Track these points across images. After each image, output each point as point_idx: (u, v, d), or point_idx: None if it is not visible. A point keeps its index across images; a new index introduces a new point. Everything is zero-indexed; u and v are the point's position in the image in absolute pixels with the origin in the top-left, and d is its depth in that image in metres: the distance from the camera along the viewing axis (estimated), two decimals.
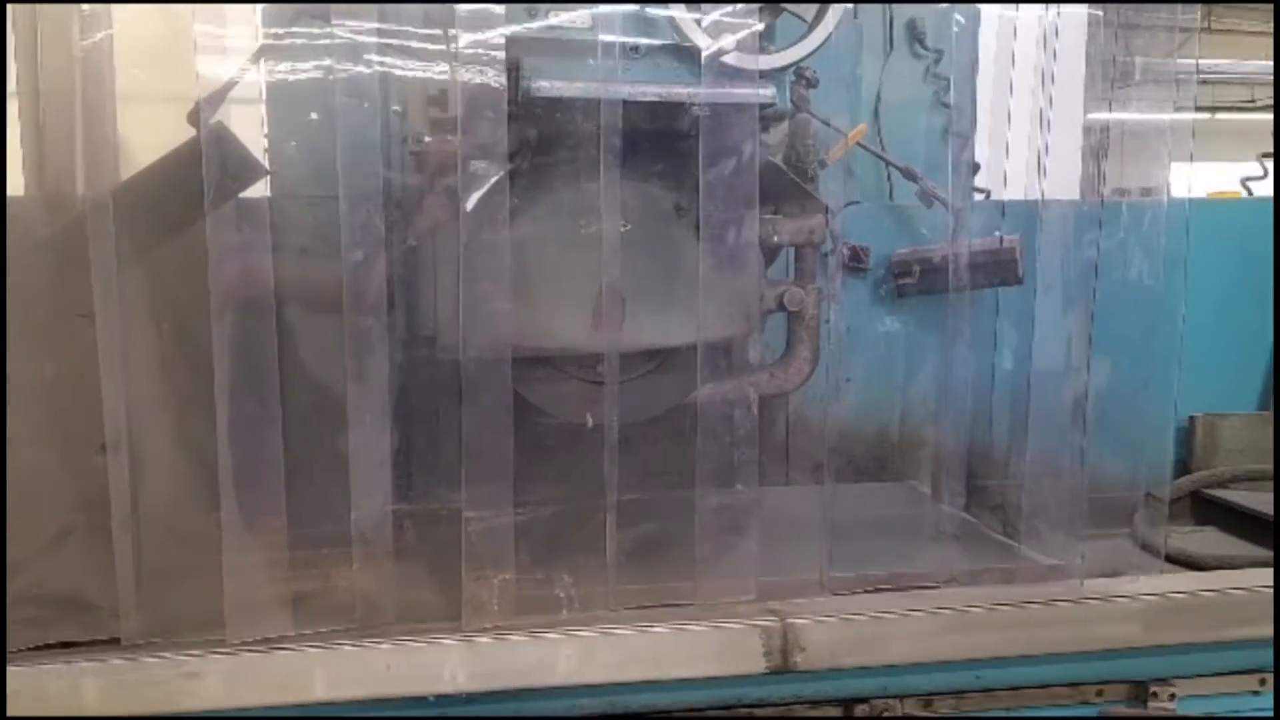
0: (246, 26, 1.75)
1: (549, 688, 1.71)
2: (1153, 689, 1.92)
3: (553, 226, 1.87)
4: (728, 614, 1.78)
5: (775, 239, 2.05)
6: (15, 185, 1.91)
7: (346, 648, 1.65)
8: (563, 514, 1.92)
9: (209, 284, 1.65)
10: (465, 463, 1.72)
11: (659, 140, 1.89)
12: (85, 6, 1.63)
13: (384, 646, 1.66)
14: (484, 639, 1.68)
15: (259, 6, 1.79)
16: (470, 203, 1.74)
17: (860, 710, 1.84)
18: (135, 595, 1.67)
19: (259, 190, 1.81)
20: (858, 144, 2.23)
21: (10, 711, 1.56)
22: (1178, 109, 2.16)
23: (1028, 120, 2.27)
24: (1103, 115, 2.16)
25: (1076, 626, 1.87)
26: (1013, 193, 2.42)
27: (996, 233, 2.42)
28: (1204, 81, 2.18)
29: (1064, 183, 2.27)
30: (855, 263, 2.57)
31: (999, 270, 2.39)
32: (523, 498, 1.75)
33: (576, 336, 1.89)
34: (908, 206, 2.60)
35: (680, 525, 1.87)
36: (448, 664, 1.66)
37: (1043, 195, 2.11)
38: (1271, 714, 1.98)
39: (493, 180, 1.73)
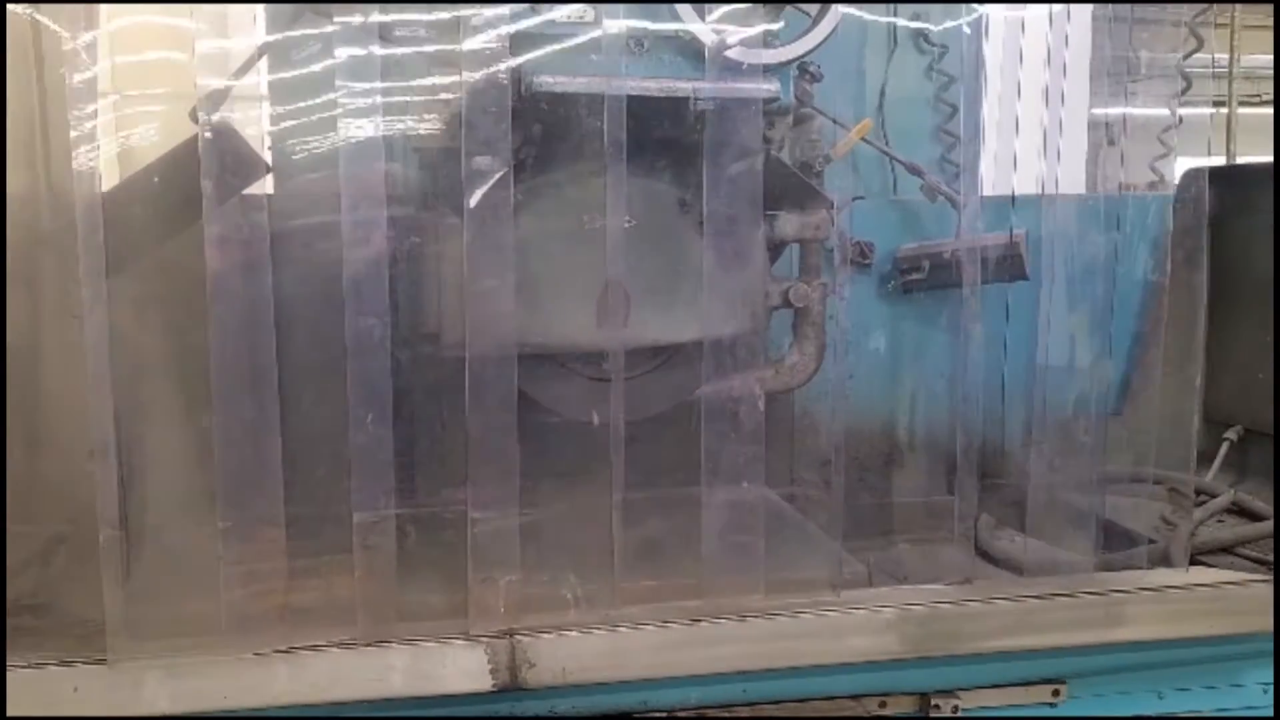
0: (249, 24, 1.71)
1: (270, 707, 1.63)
2: (934, 701, 1.86)
3: (557, 223, 1.85)
4: (461, 630, 1.68)
5: (780, 235, 2.02)
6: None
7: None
8: (568, 514, 1.89)
9: (208, 283, 1.61)
10: (470, 463, 1.69)
11: (664, 135, 1.86)
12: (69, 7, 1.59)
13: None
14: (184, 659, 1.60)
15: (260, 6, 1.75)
16: (474, 200, 1.71)
17: None
18: (124, 609, 1.61)
19: (261, 187, 1.77)
20: (861, 139, 2.21)
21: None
22: (1184, 104, 2.14)
23: (1036, 114, 2.25)
24: (1109, 110, 2.14)
25: (829, 639, 1.79)
26: (1023, 188, 2.40)
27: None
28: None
29: (1073, 177, 2.26)
30: (859, 258, 2.55)
31: (1005, 265, 2.36)
32: (528, 498, 1.72)
33: (581, 333, 1.86)
34: (912, 202, 2.58)
35: (686, 523, 1.84)
36: (146, 687, 1.59)
37: (1052, 186, 2.09)
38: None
39: (496, 177, 1.71)
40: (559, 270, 1.87)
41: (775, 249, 2.10)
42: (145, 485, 1.73)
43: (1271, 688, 1.97)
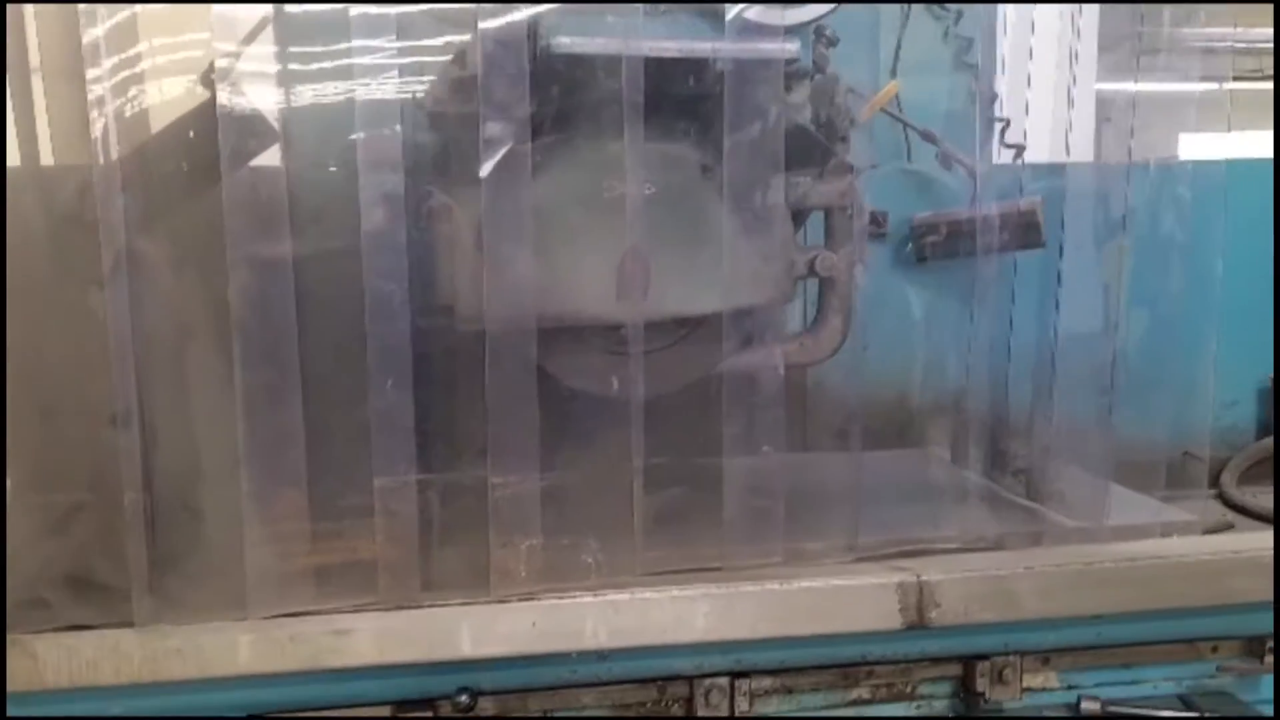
0: None
1: (683, 645, 1.73)
2: (1270, 644, 1.93)
3: (575, 190, 1.82)
4: (854, 571, 1.79)
5: (805, 201, 1.98)
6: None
7: (495, 606, 1.68)
8: (589, 481, 1.88)
9: (226, 250, 1.61)
10: (490, 429, 1.68)
11: (684, 98, 1.84)
12: None
13: (531, 604, 1.68)
14: (622, 595, 1.70)
15: None
16: (489, 167, 1.69)
17: (981, 668, 1.85)
18: (148, 575, 1.63)
19: (275, 154, 1.75)
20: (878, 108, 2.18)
21: (172, 669, 1.58)
22: (1202, 78, 2.12)
23: (1051, 81, 2.24)
24: (1118, 85, 2.13)
25: (1206, 581, 1.88)
26: (1037, 156, 2.38)
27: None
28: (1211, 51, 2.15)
29: (1088, 145, 2.24)
30: (874, 227, 2.52)
31: (1020, 233, 2.34)
32: (549, 465, 1.72)
33: (601, 305, 1.83)
34: (926, 170, 2.56)
35: (707, 491, 1.84)
36: (589, 621, 1.68)
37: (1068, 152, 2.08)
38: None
39: (513, 143, 1.69)
40: (578, 239, 1.85)
41: (799, 217, 2.07)
42: (167, 450, 1.72)
43: None
